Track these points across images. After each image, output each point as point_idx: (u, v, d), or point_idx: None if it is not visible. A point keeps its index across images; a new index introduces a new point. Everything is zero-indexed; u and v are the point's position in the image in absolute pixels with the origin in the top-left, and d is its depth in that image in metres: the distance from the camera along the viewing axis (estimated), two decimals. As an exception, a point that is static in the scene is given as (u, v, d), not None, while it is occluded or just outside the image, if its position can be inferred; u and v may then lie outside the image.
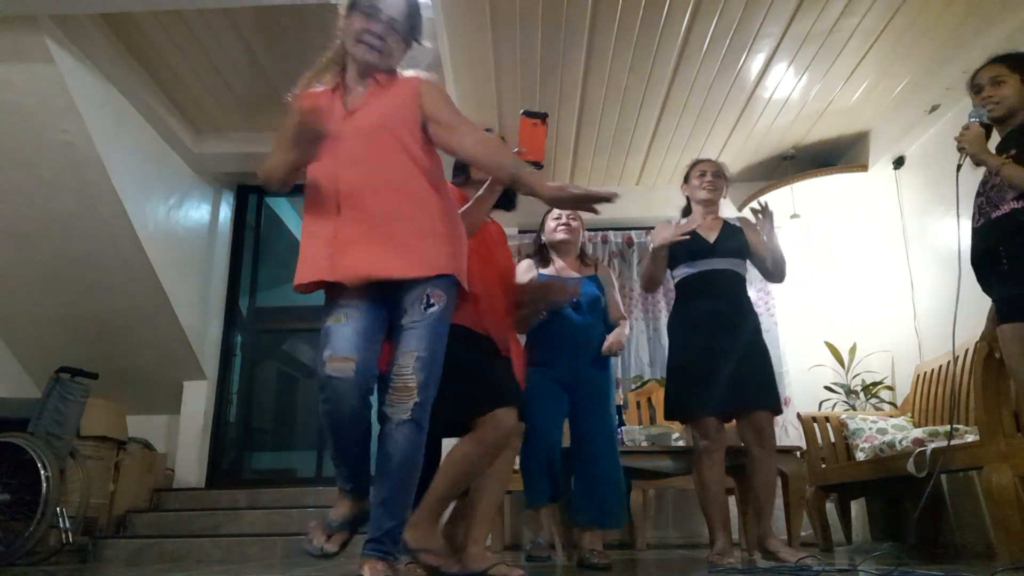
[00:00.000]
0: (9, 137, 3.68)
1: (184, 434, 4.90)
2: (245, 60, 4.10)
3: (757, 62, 3.91)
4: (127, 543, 3.83)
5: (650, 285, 3.04)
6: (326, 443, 4.06)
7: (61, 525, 3.44)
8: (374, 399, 1.80)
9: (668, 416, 2.96)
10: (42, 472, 3.37)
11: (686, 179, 3.14)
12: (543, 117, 2.20)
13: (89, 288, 4.35)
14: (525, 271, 3.07)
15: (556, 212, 3.12)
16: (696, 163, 3.14)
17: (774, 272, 3.01)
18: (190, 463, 4.85)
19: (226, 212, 5.37)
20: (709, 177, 3.04)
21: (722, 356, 2.79)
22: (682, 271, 2.98)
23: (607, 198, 1.76)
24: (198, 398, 4.96)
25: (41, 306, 4.41)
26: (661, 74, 4.03)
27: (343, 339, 1.75)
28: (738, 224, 3.08)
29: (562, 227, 3.10)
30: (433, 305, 1.79)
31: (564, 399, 2.91)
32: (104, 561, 3.73)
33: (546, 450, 2.83)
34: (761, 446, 2.77)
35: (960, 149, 2.39)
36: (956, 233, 3.90)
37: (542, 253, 3.15)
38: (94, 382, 3.81)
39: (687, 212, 3.15)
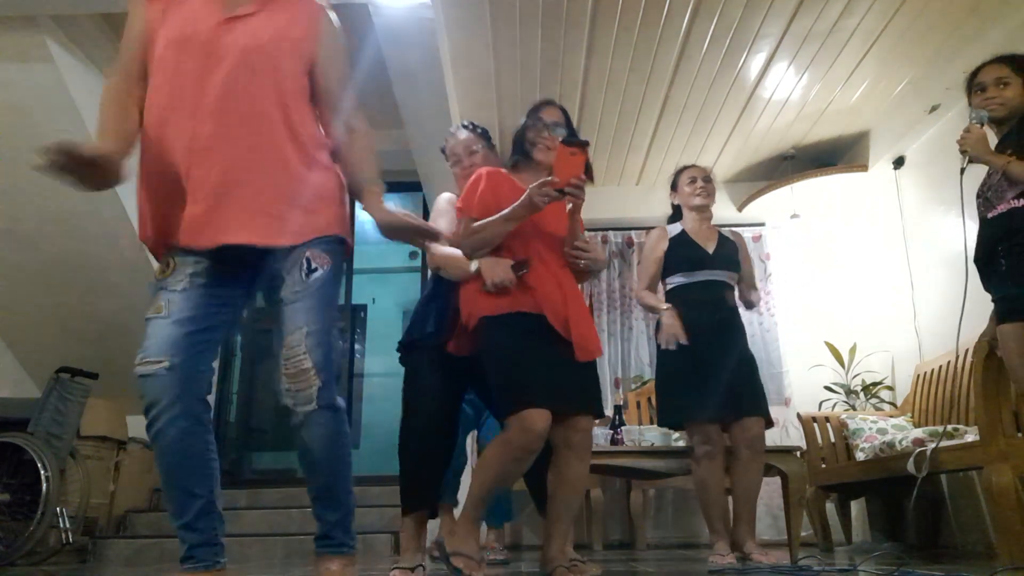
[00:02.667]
0: (9, 137, 3.68)
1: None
2: (245, 60, 4.09)
3: (757, 62, 3.91)
4: (127, 543, 3.83)
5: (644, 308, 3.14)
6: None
7: (61, 525, 3.44)
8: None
9: (663, 423, 2.97)
10: (42, 472, 3.37)
11: (674, 187, 3.12)
12: (583, 145, 2.04)
13: (89, 288, 4.35)
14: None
15: None
16: (684, 169, 3.11)
17: (749, 302, 3.05)
18: (190, 463, 4.84)
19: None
20: (701, 183, 3.03)
21: (717, 365, 2.81)
22: (677, 280, 2.98)
23: (434, 236, 1.69)
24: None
25: (41, 306, 4.41)
26: (661, 74, 4.03)
27: (159, 337, 1.50)
28: (731, 237, 3.09)
29: None
30: (316, 270, 1.52)
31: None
32: (104, 561, 3.73)
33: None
34: (751, 449, 2.81)
35: (963, 152, 2.39)
36: (957, 233, 3.91)
37: None
38: (94, 382, 3.81)
39: (675, 218, 3.12)
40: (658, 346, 2.98)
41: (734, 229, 3.26)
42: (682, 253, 2.95)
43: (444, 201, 2.59)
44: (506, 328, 2.07)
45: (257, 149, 1.53)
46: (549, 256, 2.18)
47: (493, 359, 2.07)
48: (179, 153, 1.51)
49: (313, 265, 1.52)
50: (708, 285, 2.90)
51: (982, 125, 2.38)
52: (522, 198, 2.07)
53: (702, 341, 2.83)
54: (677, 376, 2.87)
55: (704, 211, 3.04)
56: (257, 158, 1.52)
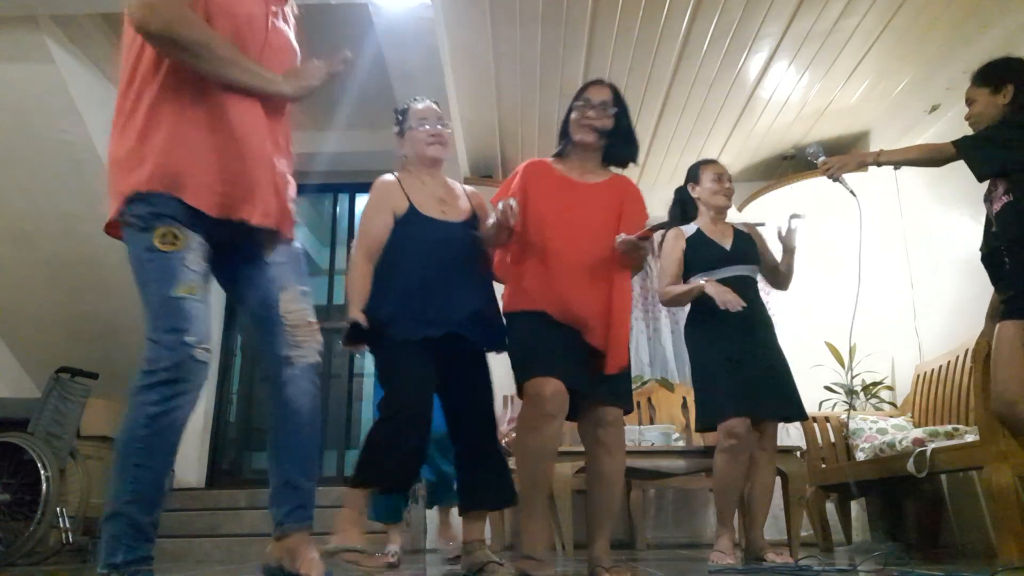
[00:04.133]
0: (9, 137, 3.68)
1: (184, 434, 4.90)
2: (245, 60, 4.09)
3: (757, 62, 3.91)
4: (127, 543, 3.82)
5: (672, 305, 3.04)
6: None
7: (61, 525, 3.44)
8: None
9: (703, 427, 2.89)
10: (42, 472, 3.37)
11: (696, 180, 3.03)
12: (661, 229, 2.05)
13: (89, 288, 4.35)
14: None
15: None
16: (708, 163, 3.04)
17: (782, 282, 3.05)
18: (190, 463, 4.85)
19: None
20: (727, 184, 2.99)
21: (750, 361, 2.77)
22: (700, 279, 2.94)
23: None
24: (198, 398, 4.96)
25: (41, 306, 4.41)
26: (661, 74, 4.03)
27: (202, 322, 1.48)
28: (745, 230, 3.07)
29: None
30: (293, 242, 1.66)
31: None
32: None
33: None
34: (765, 450, 2.80)
35: (832, 178, 2.53)
36: (957, 233, 3.91)
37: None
38: (94, 382, 3.81)
39: (683, 213, 3.06)
40: (692, 348, 2.94)
41: (745, 221, 3.25)
42: (701, 253, 2.91)
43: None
44: (524, 320, 2.09)
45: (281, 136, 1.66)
46: (569, 251, 2.09)
47: (509, 350, 2.12)
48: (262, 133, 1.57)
49: (292, 240, 1.66)
50: (732, 281, 2.84)
51: (818, 158, 2.59)
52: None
53: (732, 338, 2.79)
54: (714, 377, 2.80)
55: (723, 212, 3.03)
56: (281, 147, 1.64)
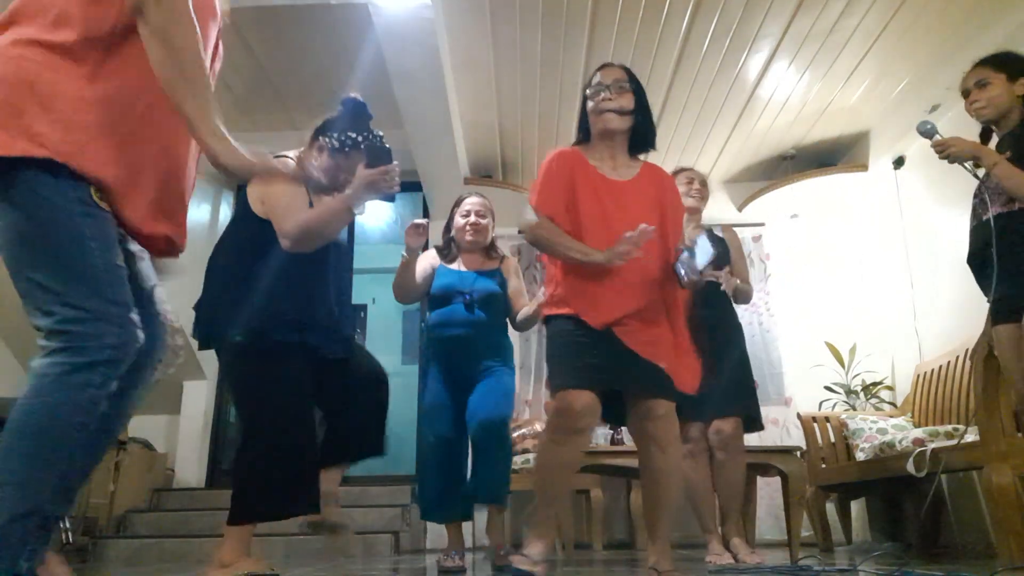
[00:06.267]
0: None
1: (184, 434, 4.90)
2: (245, 60, 4.10)
3: (757, 62, 3.91)
4: (127, 543, 3.83)
5: None
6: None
7: (61, 525, 3.44)
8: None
9: None
10: (42, 472, 3.37)
11: None
12: None
13: (89, 288, 4.35)
14: (427, 260, 2.91)
15: (464, 208, 2.94)
16: (680, 170, 3.10)
17: (738, 296, 3.04)
18: (190, 463, 4.85)
19: (226, 212, 5.37)
20: (697, 185, 3.04)
21: (711, 365, 2.78)
22: None
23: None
24: (198, 398, 4.97)
25: (41, 306, 4.41)
26: (661, 74, 4.03)
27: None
28: (720, 234, 3.10)
29: (471, 227, 2.89)
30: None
31: (462, 402, 2.78)
32: (104, 561, 3.73)
33: (447, 466, 2.76)
34: (723, 451, 2.83)
35: (952, 160, 2.36)
36: (957, 233, 3.90)
37: (449, 247, 2.96)
38: (94, 382, 3.81)
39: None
40: None
41: (725, 224, 3.26)
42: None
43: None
44: (560, 324, 2.04)
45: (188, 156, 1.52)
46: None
47: (547, 354, 2.10)
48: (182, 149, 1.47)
49: None
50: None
51: (931, 137, 2.38)
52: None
53: (698, 341, 2.82)
54: None
55: (695, 213, 3.05)
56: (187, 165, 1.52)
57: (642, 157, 2.24)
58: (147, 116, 1.36)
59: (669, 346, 2.06)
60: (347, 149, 2.06)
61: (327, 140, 2.13)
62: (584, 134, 2.17)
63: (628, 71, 2.18)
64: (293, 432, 1.98)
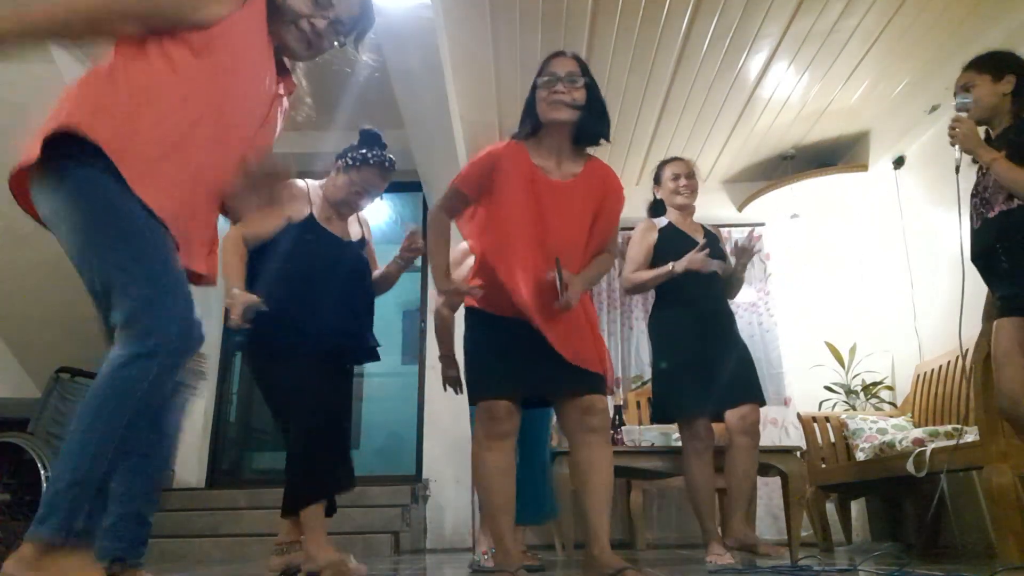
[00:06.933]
0: (9, 137, 3.68)
1: (184, 434, 4.89)
2: (245, 60, 4.09)
3: (757, 62, 3.91)
4: (127, 543, 3.82)
5: (637, 292, 3.06)
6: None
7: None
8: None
9: (656, 419, 2.97)
10: (42, 472, 3.37)
11: (658, 180, 3.12)
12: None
13: (89, 288, 4.34)
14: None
15: None
16: (667, 163, 3.10)
17: (730, 289, 3.05)
18: (190, 463, 4.85)
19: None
20: (684, 181, 3.03)
21: (711, 358, 2.81)
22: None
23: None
24: (198, 398, 4.97)
25: (41, 306, 4.41)
26: (661, 74, 4.03)
27: None
28: (712, 231, 3.12)
29: None
30: None
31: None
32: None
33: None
34: (746, 435, 2.79)
35: (953, 143, 2.40)
36: (957, 233, 3.90)
37: None
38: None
39: (657, 211, 3.11)
40: (654, 340, 3.00)
41: (717, 226, 3.28)
42: (672, 245, 2.94)
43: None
44: (481, 323, 2.09)
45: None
46: (535, 256, 1.99)
47: (465, 357, 2.15)
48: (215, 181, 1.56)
49: None
50: (700, 276, 2.87)
51: (967, 112, 2.41)
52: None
53: (696, 334, 2.84)
54: (672, 371, 2.87)
55: (686, 210, 3.05)
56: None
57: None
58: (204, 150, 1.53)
59: (585, 328, 2.08)
60: (357, 164, 2.51)
61: (342, 161, 2.54)
62: (531, 126, 2.07)
63: (581, 62, 2.07)
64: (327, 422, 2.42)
